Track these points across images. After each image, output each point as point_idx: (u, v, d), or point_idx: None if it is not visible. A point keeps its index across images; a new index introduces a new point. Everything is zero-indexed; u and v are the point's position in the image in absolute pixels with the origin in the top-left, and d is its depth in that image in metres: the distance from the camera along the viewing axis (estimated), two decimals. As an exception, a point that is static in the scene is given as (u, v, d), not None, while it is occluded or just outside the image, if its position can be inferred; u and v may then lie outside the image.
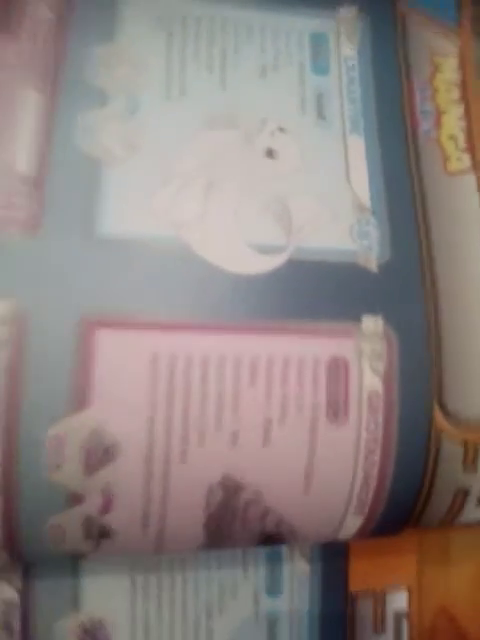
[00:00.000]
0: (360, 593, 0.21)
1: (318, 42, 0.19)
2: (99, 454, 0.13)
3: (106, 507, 0.14)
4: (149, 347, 0.14)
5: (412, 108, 0.19)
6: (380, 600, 0.21)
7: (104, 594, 0.19)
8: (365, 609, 0.21)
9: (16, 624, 0.18)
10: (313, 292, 0.16)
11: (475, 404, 0.17)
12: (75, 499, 0.14)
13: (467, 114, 0.19)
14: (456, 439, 0.16)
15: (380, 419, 0.15)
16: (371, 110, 0.18)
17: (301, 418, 0.15)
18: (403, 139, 0.18)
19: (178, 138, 0.17)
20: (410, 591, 0.21)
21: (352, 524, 0.17)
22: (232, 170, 0.17)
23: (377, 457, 0.15)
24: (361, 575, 0.21)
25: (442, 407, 0.16)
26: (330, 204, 0.17)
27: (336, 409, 0.15)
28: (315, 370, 0.15)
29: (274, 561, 0.20)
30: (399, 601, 0.21)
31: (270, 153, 0.17)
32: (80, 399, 0.13)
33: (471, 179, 0.19)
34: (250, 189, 0.16)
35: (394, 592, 0.21)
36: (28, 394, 0.13)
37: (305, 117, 0.18)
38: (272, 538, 0.16)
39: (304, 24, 0.19)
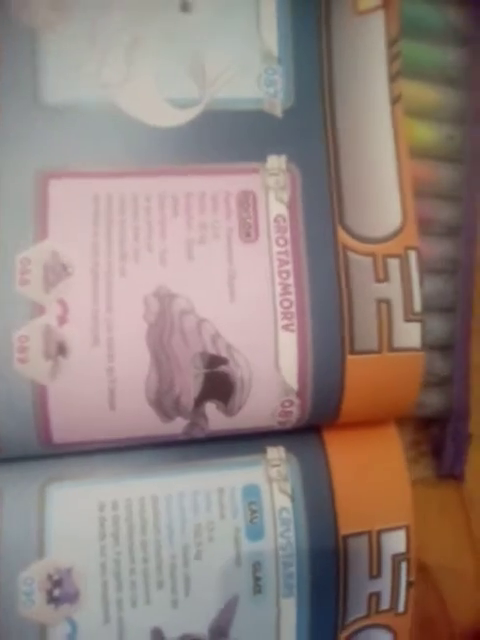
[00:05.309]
0: (353, 535, 0.20)
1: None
2: (57, 270, 0.18)
3: (63, 317, 0.17)
4: (90, 191, 0.18)
5: None
6: (375, 542, 0.20)
7: (71, 539, 0.18)
8: (359, 552, 0.20)
9: None
10: (224, 138, 0.19)
11: (374, 225, 0.20)
12: (38, 310, 0.17)
13: None
14: (362, 252, 0.19)
15: (288, 236, 0.19)
16: None
17: (217, 239, 0.19)
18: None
19: None
20: (408, 531, 0.20)
21: (288, 345, 0.18)
22: (152, 26, 0.19)
23: (290, 267, 0.19)
24: (352, 515, 0.20)
25: (346, 228, 0.20)
26: (240, 55, 0.19)
27: (248, 230, 0.19)
28: (227, 201, 0.19)
29: (252, 499, 0.19)
30: (396, 542, 0.20)
31: (185, 6, 0.19)
32: (40, 232, 0.18)
33: (380, 15, 0.20)
34: (168, 46, 0.19)
35: (391, 532, 0.20)
36: (1, 230, 0.18)
37: None
38: (216, 361, 0.18)
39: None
